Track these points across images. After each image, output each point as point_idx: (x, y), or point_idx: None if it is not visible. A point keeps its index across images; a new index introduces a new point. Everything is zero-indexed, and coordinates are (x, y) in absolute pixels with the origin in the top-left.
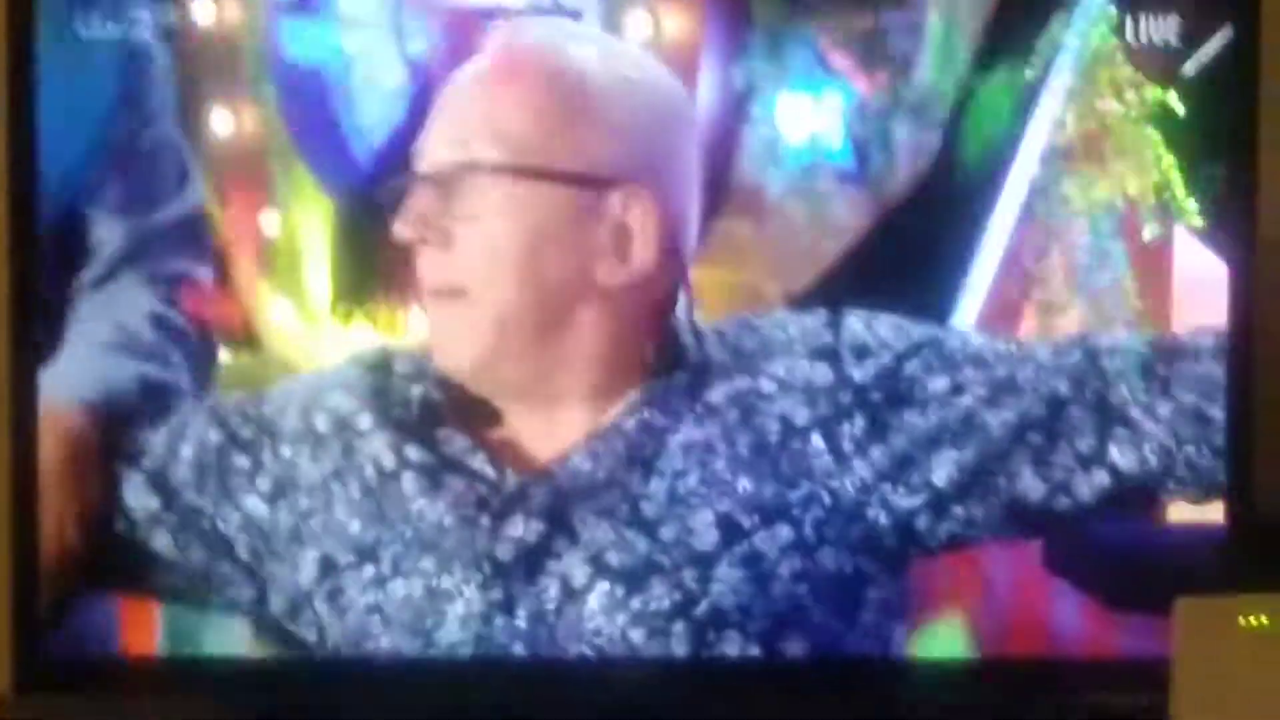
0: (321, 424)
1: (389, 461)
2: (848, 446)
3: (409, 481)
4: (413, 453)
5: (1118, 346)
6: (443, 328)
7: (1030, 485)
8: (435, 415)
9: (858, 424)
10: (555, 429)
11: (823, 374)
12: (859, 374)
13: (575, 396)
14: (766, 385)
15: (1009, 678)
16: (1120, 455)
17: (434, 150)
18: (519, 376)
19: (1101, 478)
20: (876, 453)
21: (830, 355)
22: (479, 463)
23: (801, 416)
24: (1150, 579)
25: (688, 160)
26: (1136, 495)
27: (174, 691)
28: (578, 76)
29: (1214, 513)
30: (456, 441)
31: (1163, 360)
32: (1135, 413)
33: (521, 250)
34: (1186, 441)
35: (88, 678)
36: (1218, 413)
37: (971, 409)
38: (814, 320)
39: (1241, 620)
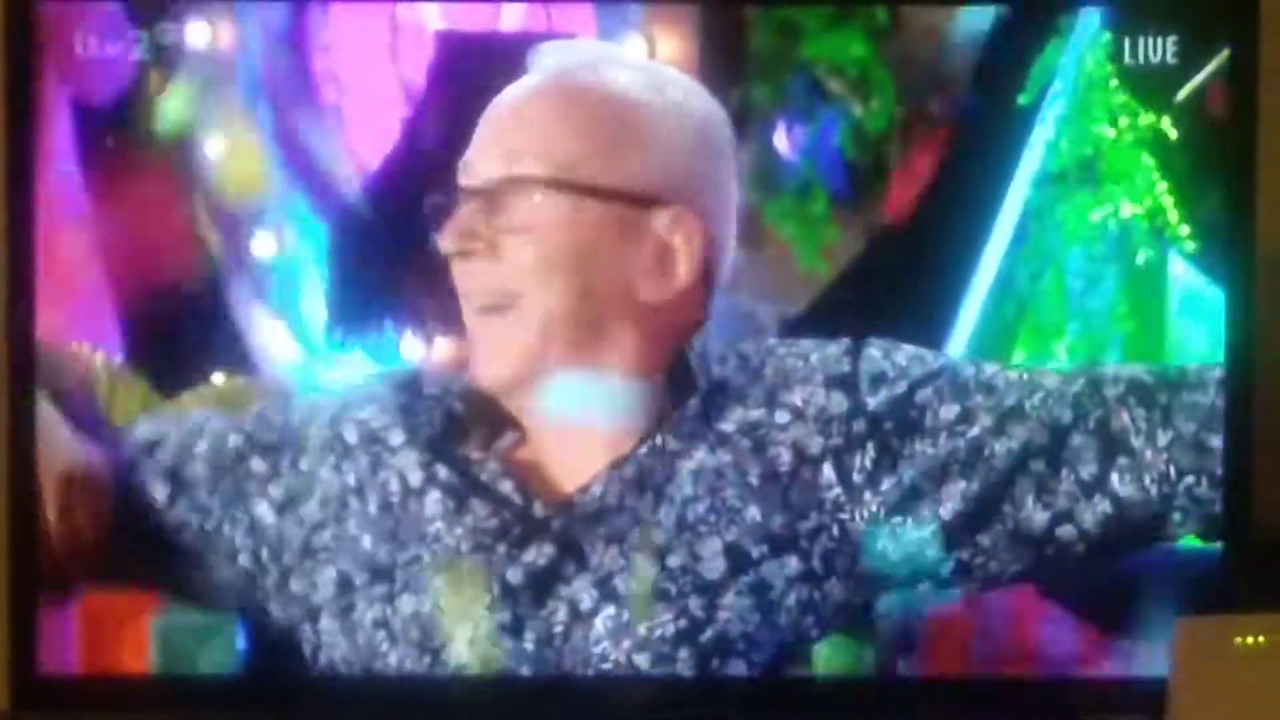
0: (350, 436)
1: (415, 479)
2: (858, 477)
3: (432, 501)
4: (440, 472)
5: (1122, 375)
6: (484, 341)
7: (1033, 515)
8: (460, 435)
9: (869, 453)
10: (578, 453)
11: (838, 402)
12: (873, 402)
13: (601, 417)
14: (781, 414)
15: (1008, 698)
16: (1121, 484)
17: (481, 166)
18: (555, 393)
19: (1104, 507)
20: (886, 484)
21: (847, 384)
22: (506, 488)
23: (815, 445)
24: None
25: (729, 187)
26: (1138, 527)
27: (170, 709)
28: (625, 97)
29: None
30: (482, 464)
31: (1166, 390)
32: (1137, 441)
33: (568, 263)
34: (1187, 472)
35: (84, 695)
36: (1218, 443)
37: (980, 439)
38: (835, 349)
39: (1238, 639)
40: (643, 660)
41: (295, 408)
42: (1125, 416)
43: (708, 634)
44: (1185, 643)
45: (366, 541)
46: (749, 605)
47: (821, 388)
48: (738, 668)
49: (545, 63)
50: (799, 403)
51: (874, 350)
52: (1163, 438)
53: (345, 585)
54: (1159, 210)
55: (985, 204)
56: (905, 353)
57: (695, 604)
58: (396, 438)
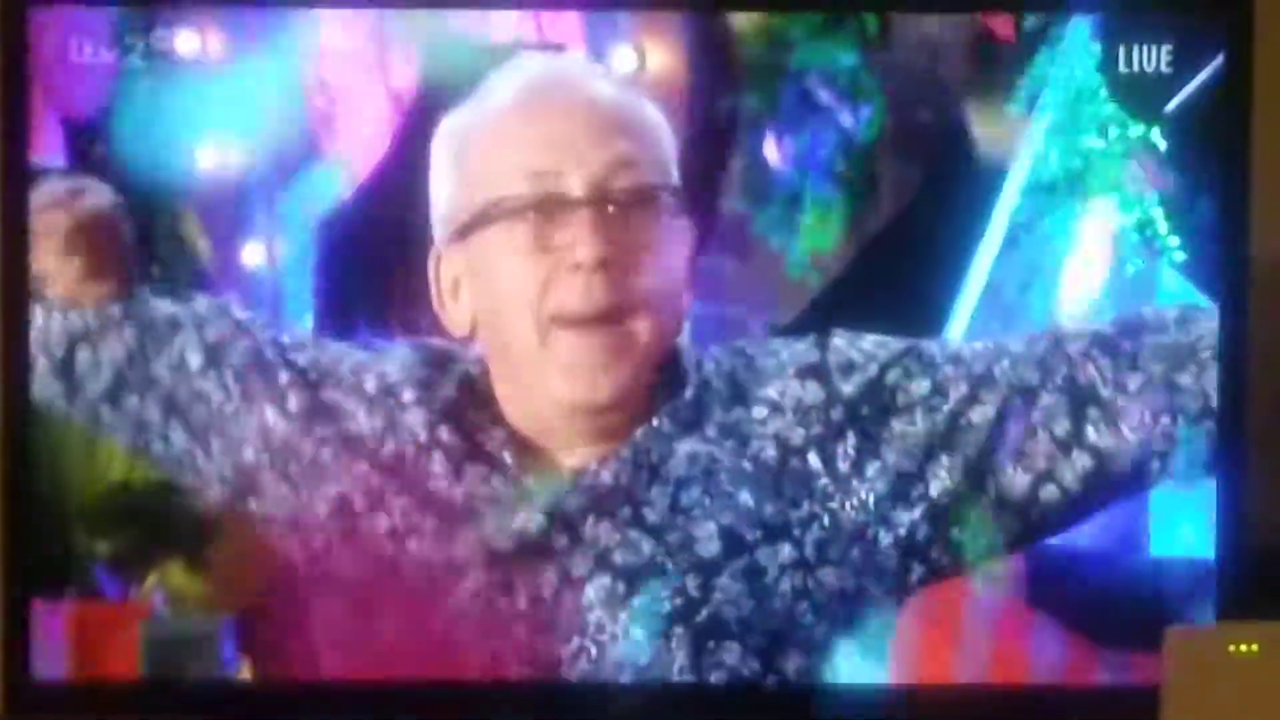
0: (370, 387)
1: (422, 438)
2: (843, 465)
3: (435, 460)
4: (444, 434)
5: (1084, 330)
6: (582, 357)
7: (1014, 480)
8: (471, 402)
9: (851, 439)
10: (581, 432)
11: (813, 392)
12: (847, 389)
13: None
14: (760, 409)
15: (998, 704)
16: (1098, 436)
17: (579, 173)
18: (636, 408)
19: (1084, 461)
20: (871, 468)
21: (819, 373)
22: (507, 457)
23: (797, 436)
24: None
25: None
26: (1119, 478)
27: (162, 713)
28: (653, 106)
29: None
30: (488, 431)
31: (1128, 336)
32: (1107, 392)
33: (674, 274)
34: (1161, 413)
35: (78, 700)
36: (1188, 380)
37: (956, 410)
38: (801, 342)
39: (1230, 648)
40: (638, 633)
41: (328, 345)
42: (1091, 369)
43: (702, 614)
44: (1178, 651)
45: (372, 480)
46: (742, 589)
47: (795, 380)
48: (731, 652)
49: (556, 69)
50: (775, 396)
51: (839, 340)
52: (1132, 383)
53: (345, 510)
54: (1149, 221)
55: (974, 215)
56: (870, 339)
57: (689, 583)
58: (409, 395)
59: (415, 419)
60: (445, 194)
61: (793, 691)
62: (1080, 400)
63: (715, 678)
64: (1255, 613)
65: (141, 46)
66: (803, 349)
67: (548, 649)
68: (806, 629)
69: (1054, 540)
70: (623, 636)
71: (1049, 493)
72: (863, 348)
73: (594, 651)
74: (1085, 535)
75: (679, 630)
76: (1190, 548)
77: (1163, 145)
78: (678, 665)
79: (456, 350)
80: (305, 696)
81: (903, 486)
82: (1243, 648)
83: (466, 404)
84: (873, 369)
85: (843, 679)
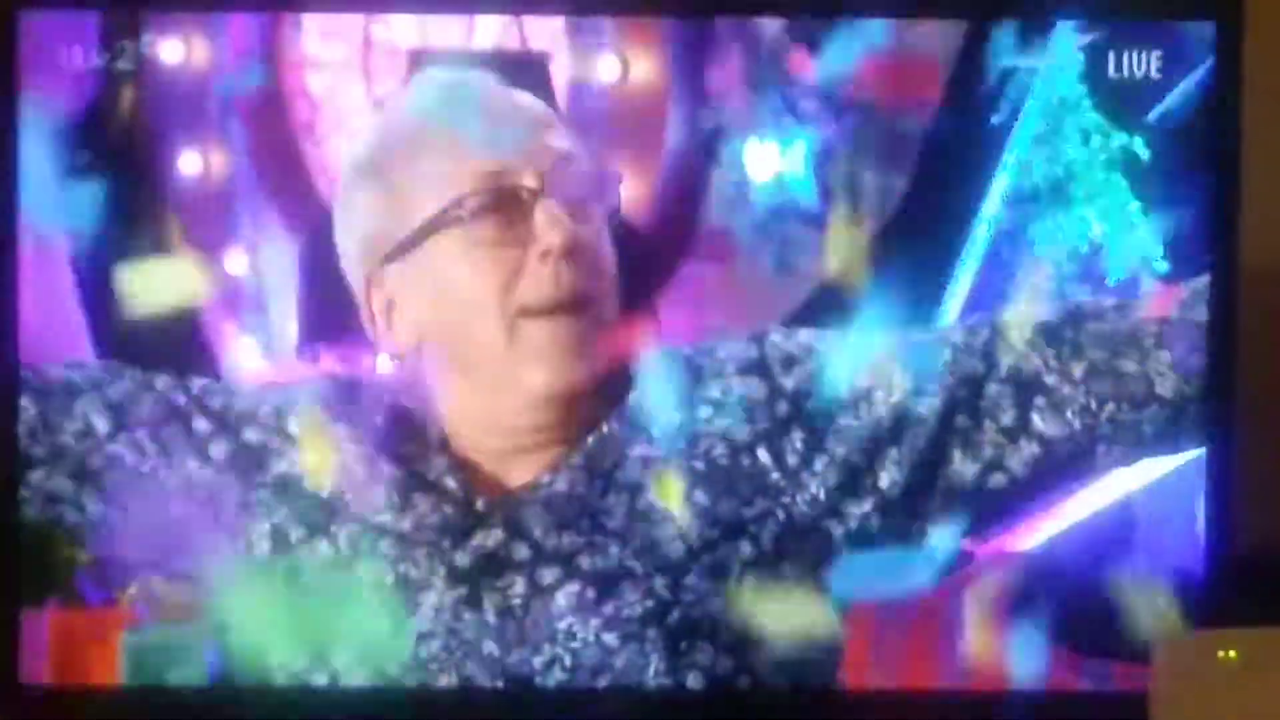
0: (293, 428)
1: (359, 474)
2: (793, 459)
3: (378, 496)
4: (385, 469)
5: (1026, 319)
6: (550, 346)
7: (962, 469)
8: (404, 432)
9: (798, 434)
10: (524, 447)
11: (755, 388)
12: (790, 383)
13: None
14: (705, 409)
15: (988, 713)
16: (1044, 424)
17: (529, 165)
18: (599, 402)
19: (1031, 449)
20: (819, 462)
21: (760, 369)
22: (452, 484)
23: (744, 433)
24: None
25: None
26: (1066, 464)
27: None
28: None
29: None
30: (427, 459)
31: (1070, 324)
32: (1051, 379)
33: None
34: (1105, 399)
35: (65, 704)
36: (1131, 365)
37: (901, 403)
38: (737, 342)
39: (1220, 655)
40: (611, 639)
41: (242, 388)
42: (1035, 358)
43: (674, 616)
44: (1167, 658)
45: (313, 515)
46: (708, 588)
47: (736, 376)
48: (705, 652)
49: (463, 80)
50: (719, 395)
51: (775, 336)
52: (1077, 370)
53: (282, 542)
54: (1132, 230)
55: (957, 224)
56: (806, 333)
57: (653, 585)
58: (340, 433)
59: (351, 457)
60: (371, 218)
61: (765, 692)
62: (1027, 388)
63: (686, 679)
64: (1243, 620)
65: (131, 51)
66: (739, 346)
67: (519, 663)
68: (770, 625)
69: (1038, 547)
70: (595, 643)
71: (996, 481)
72: (800, 341)
73: (567, 661)
74: (1068, 543)
75: (651, 633)
76: (1178, 554)
77: (1146, 154)
78: (652, 669)
79: (377, 381)
80: (284, 705)
81: (852, 480)
82: (1231, 654)
83: (400, 435)
84: (813, 363)
85: (804, 678)
